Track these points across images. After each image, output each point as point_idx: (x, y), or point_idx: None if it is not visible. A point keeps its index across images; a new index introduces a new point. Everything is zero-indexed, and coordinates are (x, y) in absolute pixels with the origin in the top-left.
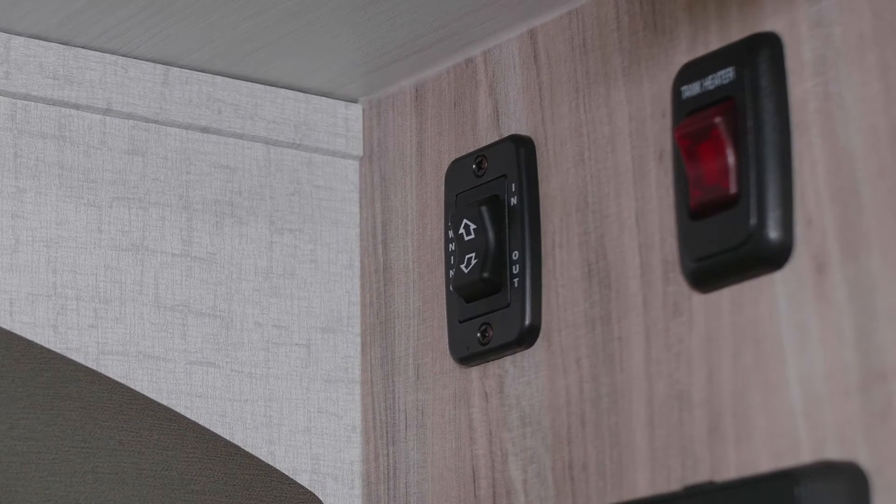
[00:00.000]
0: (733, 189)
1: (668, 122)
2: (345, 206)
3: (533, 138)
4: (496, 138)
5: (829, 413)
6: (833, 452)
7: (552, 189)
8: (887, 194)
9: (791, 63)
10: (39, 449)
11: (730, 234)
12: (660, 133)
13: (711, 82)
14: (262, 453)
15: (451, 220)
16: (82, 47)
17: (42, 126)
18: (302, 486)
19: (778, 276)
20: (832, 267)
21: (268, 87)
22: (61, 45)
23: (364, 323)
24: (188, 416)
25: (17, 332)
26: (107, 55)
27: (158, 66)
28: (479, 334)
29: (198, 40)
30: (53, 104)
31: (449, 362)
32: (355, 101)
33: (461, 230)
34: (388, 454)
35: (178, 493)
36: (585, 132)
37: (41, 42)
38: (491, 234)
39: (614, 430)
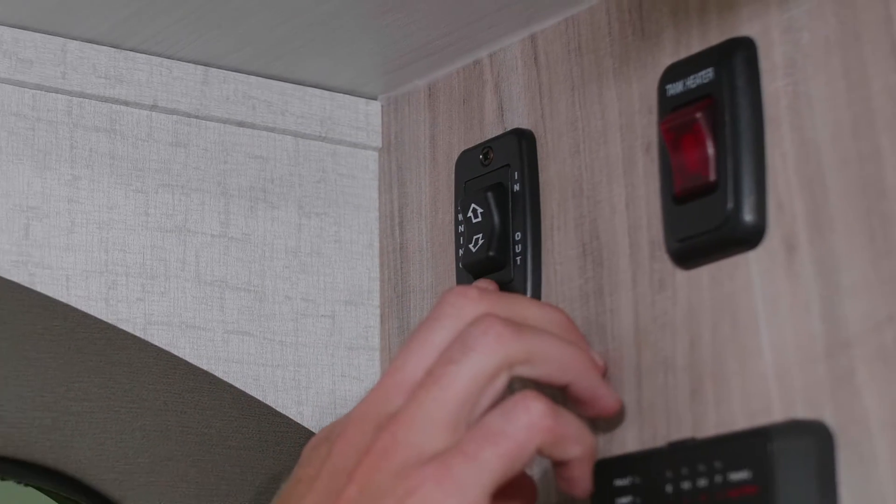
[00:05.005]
0: (712, 177)
1: (654, 117)
2: (365, 192)
3: (533, 131)
4: (500, 131)
5: (798, 377)
6: (802, 412)
7: (550, 177)
8: (850, 181)
9: (764, 64)
10: (93, 409)
11: (709, 217)
12: (647, 127)
13: (693, 81)
14: (291, 413)
15: (461, 205)
16: (131, 50)
17: (95, 121)
18: None
19: (752, 255)
20: (801, 247)
21: (297, 86)
22: (112, 49)
23: (383, 296)
24: (225, 379)
25: (73, 304)
26: (153, 57)
27: (199, 66)
28: None
29: (235, 44)
30: (105, 101)
31: None
32: (375, 99)
33: (469, 214)
34: None
35: (216, 448)
36: (580, 126)
37: (94, 45)
38: (496, 218)
39: None
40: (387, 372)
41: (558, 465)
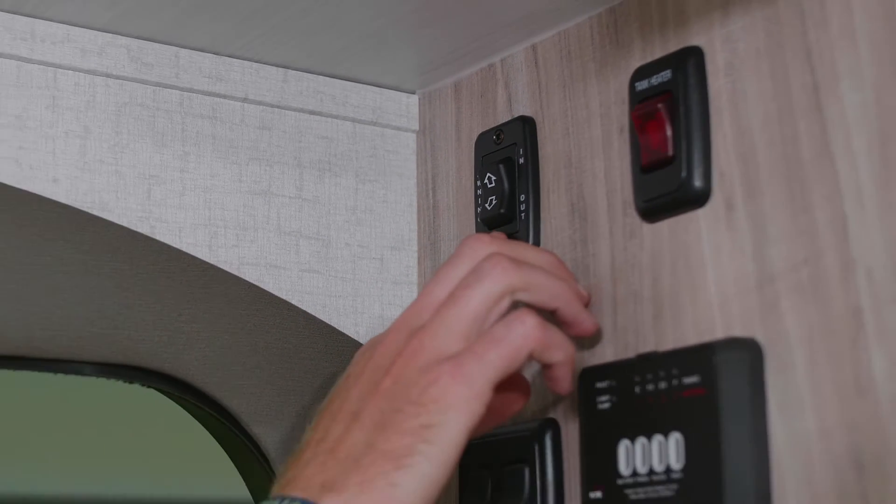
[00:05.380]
0: (670, 152)
1: (626, 107)
2: (406, 164)
3: (534, 118)
4: (509, 118)
5: (736, 305)
6: (738, 331)
7: (547, 153)
8: (775, 157)
9: (709, 67)
10: (199, 329)
11: (668, 183)
12: (620, 115)
13: (656, 80)
14: (349, 332)
15: (479, 174)
16: (228, 56)
17: (200, 110)
18: None
19: (701, 212)
20: (738, 206)
21: (354, 83)
22: (213, 55)
23: (419, 244)
24: (300, 307)
25: (184, 250)
26: (245, 62)
27: (280, 69)
28: None
29: (307, 52)
30: (208, 95)
31: None
32: (413, 93)
33: (485, 180)
34: None
35: (293, 359)
36: (570, 114)
37: (200, 52)
38: (506, 184)
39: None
40: (420, 295)
41: (545, 368)
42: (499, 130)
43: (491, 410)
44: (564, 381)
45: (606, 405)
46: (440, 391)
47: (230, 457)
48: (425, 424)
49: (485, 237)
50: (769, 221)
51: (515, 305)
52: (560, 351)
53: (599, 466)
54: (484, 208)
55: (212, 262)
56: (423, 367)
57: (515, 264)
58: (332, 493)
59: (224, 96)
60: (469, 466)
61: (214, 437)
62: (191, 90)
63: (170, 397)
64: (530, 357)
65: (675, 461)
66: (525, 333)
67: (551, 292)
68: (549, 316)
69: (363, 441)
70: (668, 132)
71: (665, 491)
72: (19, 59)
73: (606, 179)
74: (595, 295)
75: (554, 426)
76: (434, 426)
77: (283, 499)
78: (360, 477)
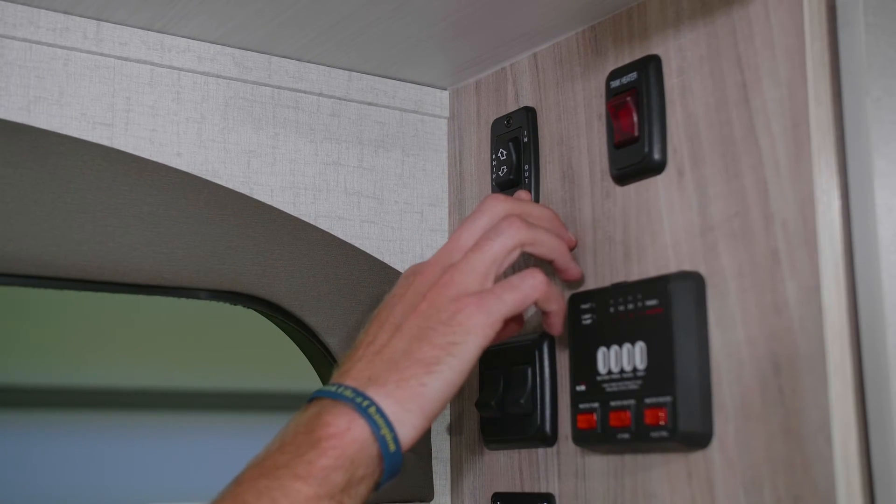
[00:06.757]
0: (636, 133)
1: (603, 99)
2: (440, 142)
3: (535, 108)
4: (516, 107)
5: (685, 246)
6: (687, 266)
7: (545, 133)
8: (714, 137)
9: (665, 70)
10: (285, 265)
11: (635, 156)
12: (599, 105)
13: (626, 79)
14: (398, 267)
15: (494, 149)
16: (308, 62)
17: (287, 102)
18: None
19: (659, 178)
20: (686, 173)
21: (401, 82)
22: (297, 61)
23: (450, 201)
24: (361, 248)
25: (275, 206)
26: (320, 66)
27: (345, 71)
28: None
29: (365, 58)
30: (293, 91)
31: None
32: (445, 89)
33: (499, 154)
34: None
35: (356, 287)
36: (562, 105)
37: (286, 59)
38: (514, 157)
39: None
40: (450, 239)
41: (544, 314)
42: (509, 117)
43: (496, 334)
44: (557, 326)
45: (588, 321)
46: (465, 317)
47: (308, 359)
48: (451, 342)
49: (501, 197)
50: (709, 185)
51: (523, 256)
52: (556, 303)
53: (583, 367)
54: (497, 175)
55: (295, 214)
56: (452, 296)
57: (526, 224)
58: (375, 386)
59: (304, 92)
60: (486, 367)
61: (296, 345)
62: (279, 87)
63: (264, 315)
64: (534, 303)
65: (640, 362)
66: (534, 285)
67: (550, 247)
68: (548, 266)
69: (402, 348)
70: (635, 118)
71: (632, 385)
72: (152, 64)
73: (589, 153)
74: (580, 239)
75: (550, 337)
76: (458, 343)
77: (339, 385)
78: (398, 376)
